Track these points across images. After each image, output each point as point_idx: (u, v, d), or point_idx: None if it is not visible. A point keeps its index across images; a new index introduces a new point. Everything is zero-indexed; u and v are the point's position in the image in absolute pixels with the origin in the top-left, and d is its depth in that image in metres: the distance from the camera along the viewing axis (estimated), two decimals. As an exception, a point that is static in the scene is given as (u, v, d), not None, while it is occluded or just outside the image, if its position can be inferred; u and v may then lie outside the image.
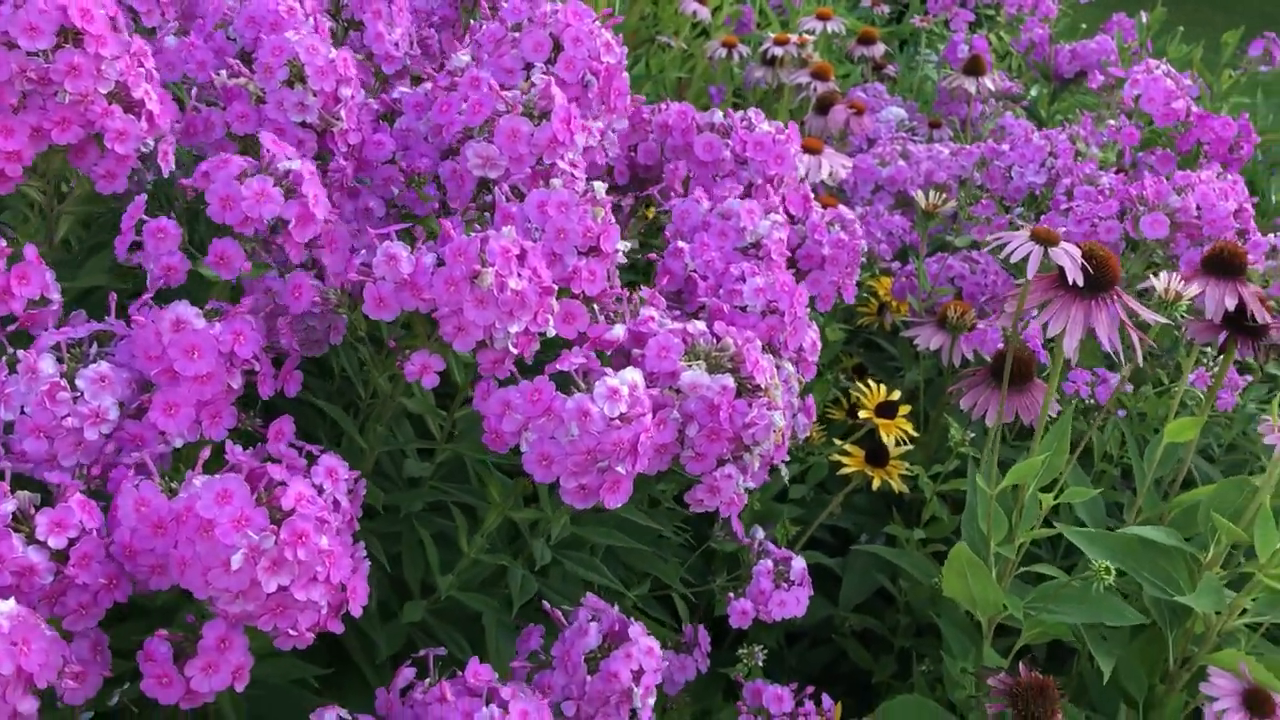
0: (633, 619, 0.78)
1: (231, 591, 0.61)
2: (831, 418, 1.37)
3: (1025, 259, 0.86)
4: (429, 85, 0.82)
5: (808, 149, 1.33)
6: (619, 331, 0.73)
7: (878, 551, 1.23)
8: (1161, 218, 1.18)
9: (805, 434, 1.10)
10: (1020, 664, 0.98)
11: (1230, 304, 0.95)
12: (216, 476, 0.63)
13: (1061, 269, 0.86)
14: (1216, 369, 1.17)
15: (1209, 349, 1.17)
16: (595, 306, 0.77)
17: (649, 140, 1.11)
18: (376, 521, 0.90)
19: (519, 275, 0.66)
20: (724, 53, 2.01)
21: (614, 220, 0.76)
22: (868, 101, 1.92)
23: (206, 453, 0.66)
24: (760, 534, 1.04)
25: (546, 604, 0.81)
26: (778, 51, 1.93)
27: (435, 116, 0.78)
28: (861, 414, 1.24)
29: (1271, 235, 1.19)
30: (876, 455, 1.24)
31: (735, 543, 1.06)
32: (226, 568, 0.60)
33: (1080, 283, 0.83)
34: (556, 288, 0.70)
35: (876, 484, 1.22)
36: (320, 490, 0.66)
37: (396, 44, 0.88)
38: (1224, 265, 0.97)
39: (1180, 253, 1.20)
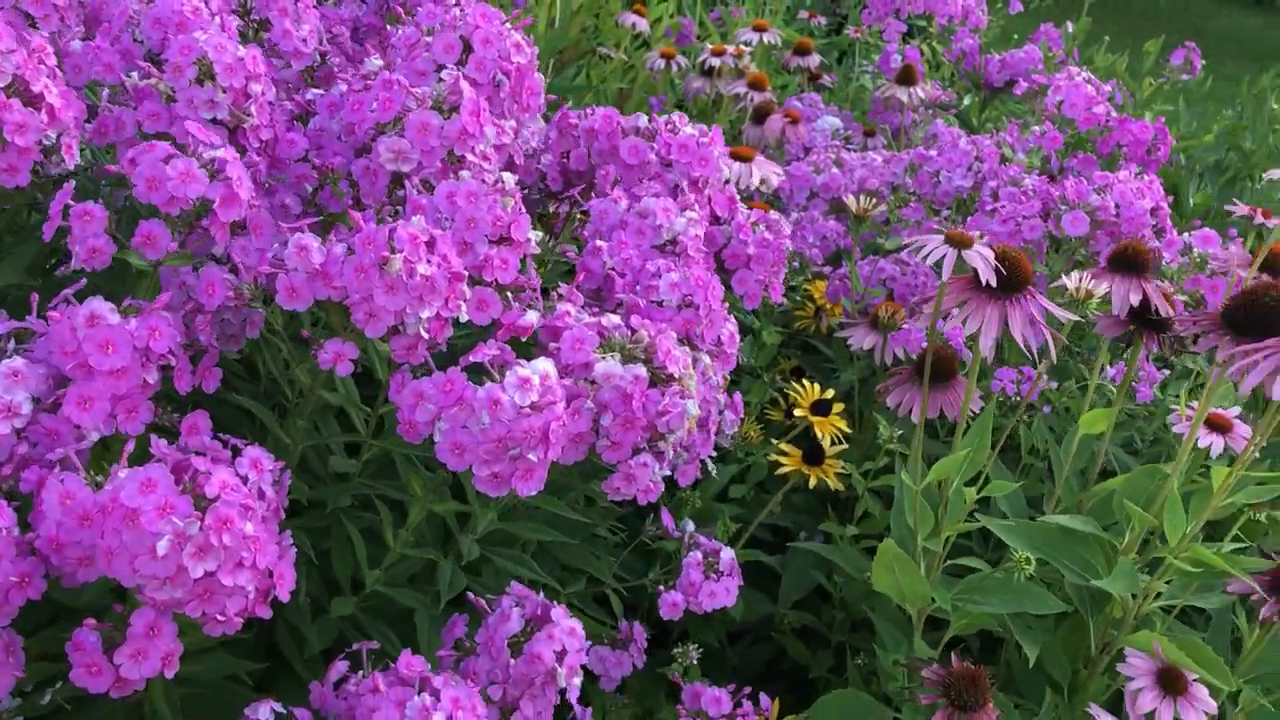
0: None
1: (159, 578, 0.61)
2: (771, 418, 1.39)
3: (942, 261, 0.88)
4: (343, 87, 0.83)
5: (739, 156, 1.35)
6: (533, 317, 0.74)
7: (813, 549, 1.25)
8: (1082, 216, 1.21)
9: (733, 429, 1.12)
10: (952, 654, 1.00)
11: (1135, 299, 0.98)
12: (140, 467, 0.64)
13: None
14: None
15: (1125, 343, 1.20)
16: (509, 294, 0.78)
17: (580, 146, 1.13)
18: (305, 517, 0.91)
19: (428, 261, 0.67)
20: (663, 64, 2.04)
21: (525, 211, 0.77)
22: (803, 111, 1.95)
23: (130, 446, 0.67)
24: (690, 527, 1.06)
25: (470, 594, 0.81)
26: (715, 62, 1.95)
27: (347, 115, 0.79)
28: (797, 412, 1.26)
29: (1186, 234, 1.22)
30: (813, 454, 1.26)
31: (671, 538, 1.08)
32: (153, 554, 0.60)
33: (994, 283, 0.85)
34: (467, 274, 0.71)
35: (813, 482, 1.24)
36: (245, 480, 0.67)
37: (305, 40, 0.89)
38: (1129, 262, 1.00)
39: (1101, 250, 1.23)
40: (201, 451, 0.66)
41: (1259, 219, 1.11)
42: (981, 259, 0.83)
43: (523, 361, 0.68)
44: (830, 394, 1.26)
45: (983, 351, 0.87)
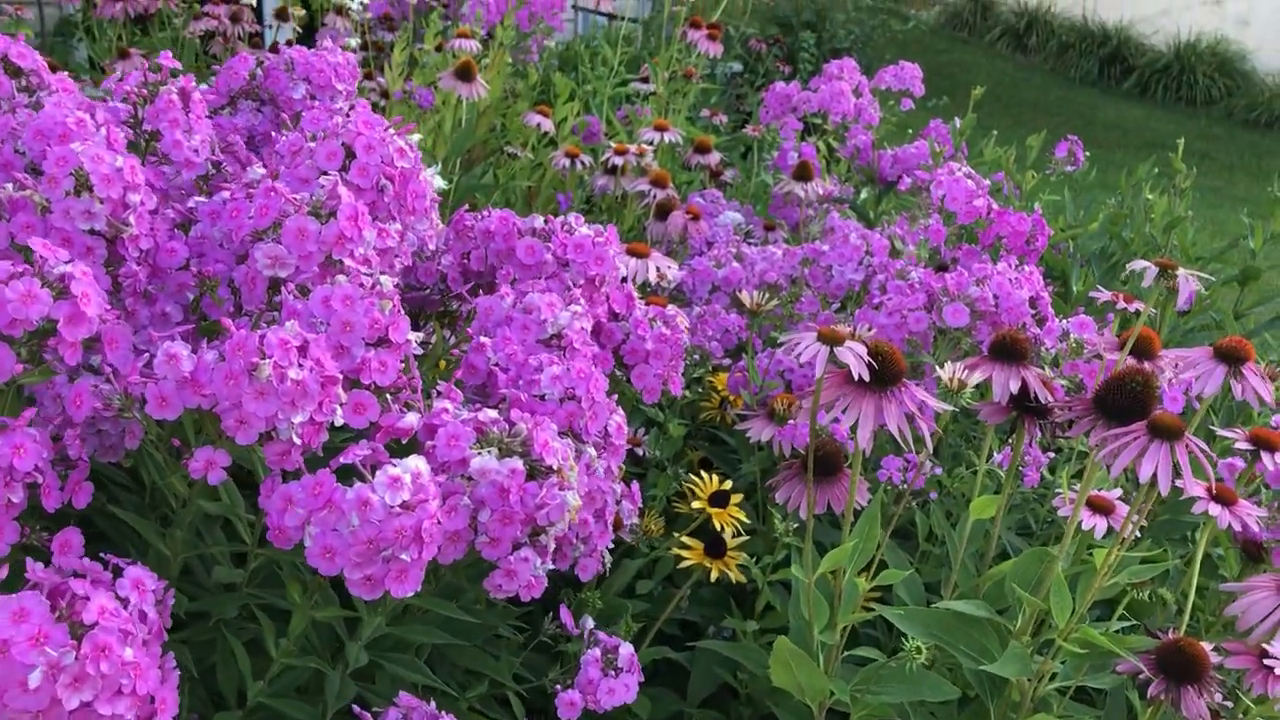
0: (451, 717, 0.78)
1: (30, 712, 0.59)
2: (678, 511, 1.39)
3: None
4: (225, 194, 0.84)
5: (635, 253, 1.37)
6: (412, 419, 0.75)
7: (717, 647, 1.24)
8: (962, 307, 1.25)
9: (631, 519, 1.12)
10: (848, 746, 1.00)
11: (1014, 387, 1.01)
12: (13, 595, 0.62)
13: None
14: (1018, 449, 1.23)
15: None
16: (389, 397, 0.78)
17: (479, 247, 1.14)
18: (189, 630, 0.88)
19: (300, 366, 0.67)
20: (568, 162, 2.07)
21: (403, 313, 0.78)
22: (705, 207, 2.00)
23: (4, 571, 0.65)
24: (590, 624, 1.05)
25: (356, 706, 0.79)
26: (618, 161, 2.00)
27: (225, 223, 0.80)
28: (695, 504, 1.26)
29: (1064, 320, 1.27)
30: (715, 547, 1.27)
31: (572, 636, 1.07)
32: (24, 687, 0.58)
33: (866, 378, 0.87)
34: (342, 377, 0.71)
35: (715, 575, 1.24)
36: (126, 602, 0.65)
37: (196, 150, 0.90)
38: (1008, 351, 1.03)
39: (983, 339, 1.27)
40: (81, 573, 0.65)
41: (1121, 304, 1.16)
42: (853, 355, 0.85)
43: (395, 461, 0.68)
44: (728, 485, 1.27)
45: (861, 444, 0.88)
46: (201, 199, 0.87)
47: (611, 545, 1.19)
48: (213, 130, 0.95)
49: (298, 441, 0.70)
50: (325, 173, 0.87)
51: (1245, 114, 6.63)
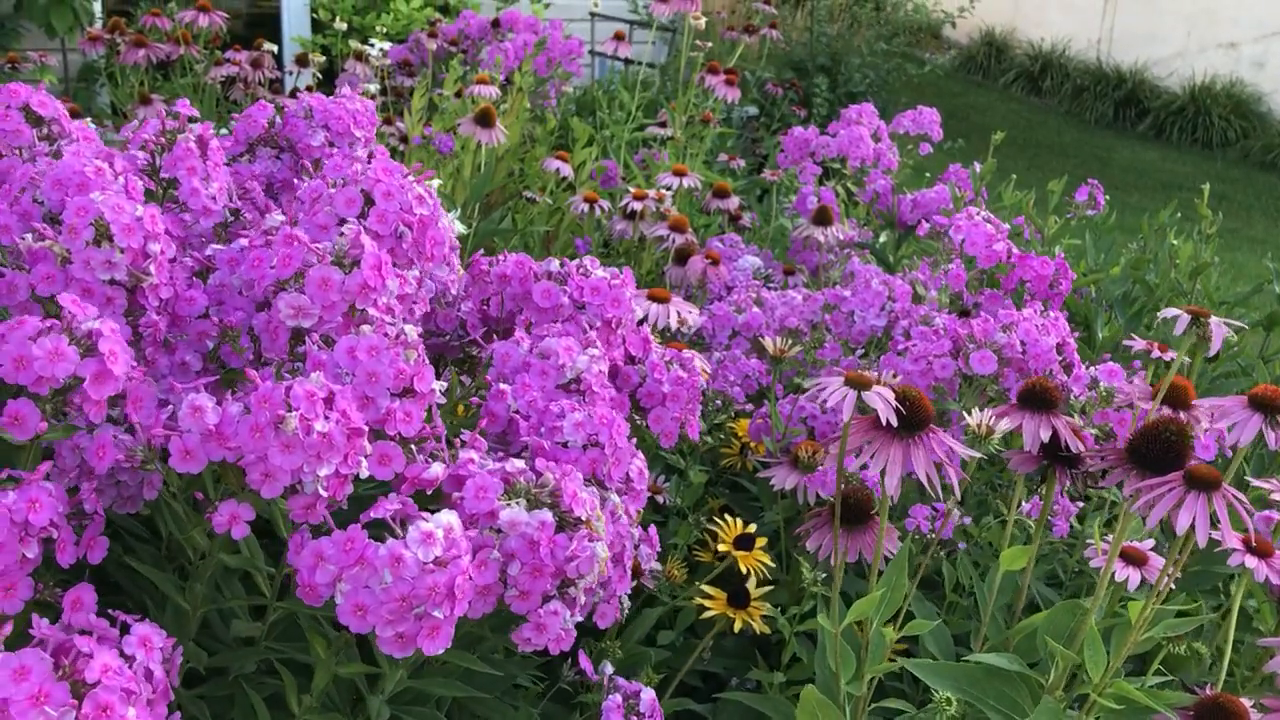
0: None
1: None
2: (700, 559, 1.38)
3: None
4: (243, 241, 0.83)
5: (656, 298, 1.36)
6: (437, 470, 0.73)
7: (741, 698, 1.22)
8: (989, 354, 1.24)
9: (650, 563, 1.10)
10: (874, 802, 0.97)
11: (1045, 435, 0.99)
12: (15, 653, 0.61)
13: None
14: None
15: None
16: (413, 447, 0.77)
17: (495, 292, 1.13)
18: (207, 685, 0.87)
19: (325, 418, 0.66)
20: (586, 207, 2.08)
21: (428, 362, 0.77)
22: (724, 251, 1.99)
23: (8, 628, 0.64)
24: (609, 670, 1.03)
25: (375, 764, 0.78)
26: (637, 206, 2.00)
27: (246, 272, 0.79)
28: (720, 547, 1.25)
29: (1092, 368, 1.25)
30: (737, 597, 1.25)
31: (591, 683, 1.05)
32: None
33: (894, 423, 0.86)
34: (368, 429, 0.70)
35: (738, 625, 1.22)
36: (131, 660, 0.64)
37: (214, 197, 0.90)
38: (1038, 399, 1.02)
39: (1010, 386, 1.25)
40: (88, 630, 0.64)
41: (1155, 353, 1.14)
42: (881, 400, 0.84)
43: (426, 515, 0.67)
44: (753, 529, 1.25)
45: (889, 490, 0.87)
46: (220, 246, 0.86)
47: (631, 593, 1.17)
48: (230, 178, 0.95)
49: (323, 494, 0.69)
50: (344, 220, 0.86)
51: (1261, 155, 6.63)
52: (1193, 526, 0.87)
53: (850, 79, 4.95)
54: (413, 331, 0.77)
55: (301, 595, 0.67)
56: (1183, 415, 1.07)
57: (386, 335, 0.75)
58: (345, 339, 0.74)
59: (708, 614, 1.23)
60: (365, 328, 0.75)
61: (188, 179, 0.91)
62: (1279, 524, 1.17)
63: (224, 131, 1.24)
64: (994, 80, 7.80)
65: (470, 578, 0.67)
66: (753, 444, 1.55)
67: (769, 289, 1.85)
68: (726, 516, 1.30)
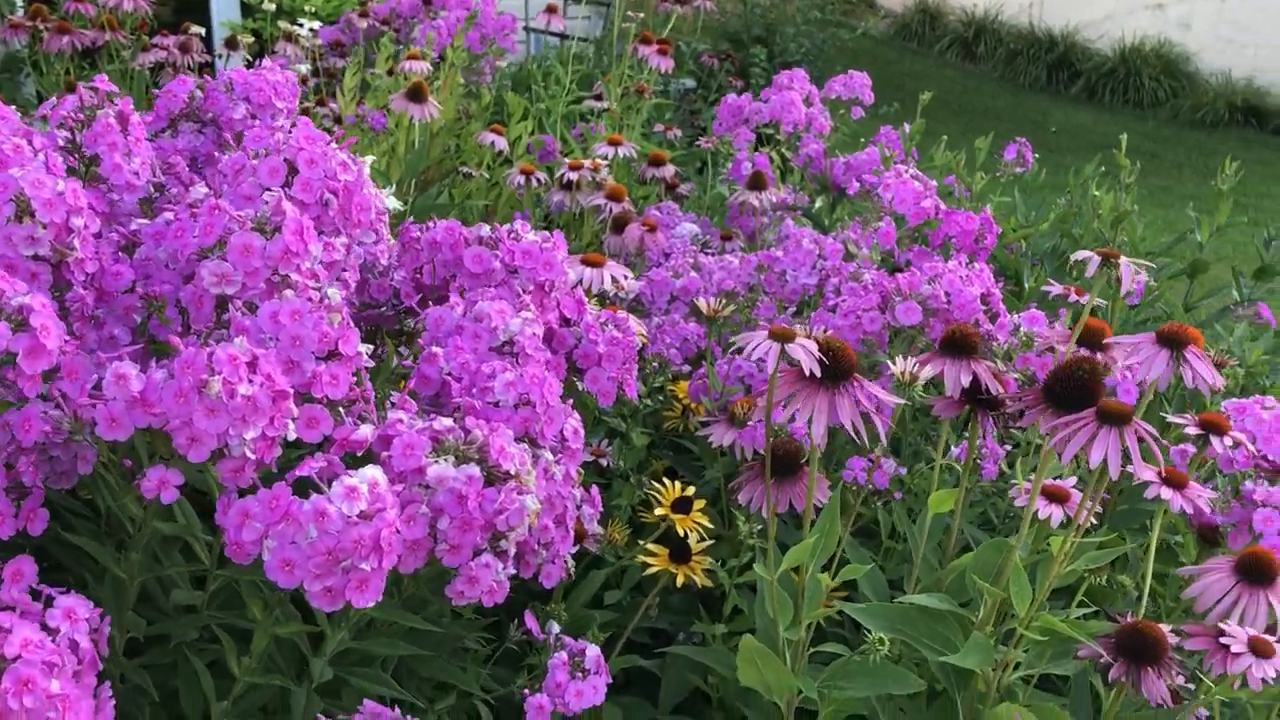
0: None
1: None
2: (644, 520, 1.40)
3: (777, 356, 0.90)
4: (169, 215, 0.84)
5: (590, 262, 1.38)
6: (366, 431, 0.75)
7: (686, 652, 1.24)
8: (915, 306, 1.27)
9: (593, 523, 1.12)
10: (815, 741, 1.00)
11: (965, 380, 1.02)
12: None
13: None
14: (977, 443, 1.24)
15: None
16: (341, 410, 0.78)
17: (427, 259, 1.14)
18: (149, 654, 0.88)
19: (249, 382, 0.67)
20: (522, 179, 2.08)
21: (353, 325, 0.78)
22: (661, 219, 2.01)
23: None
24: (555, 629, 1.05)
25: (321, 716, 0.79)
26: (573, 176, 2.00)
27: (170, 243, 0.80)
28: (658, 511, 1.27)
29: (1016, 315, 1.29)
30: (679, 553, 1.27)
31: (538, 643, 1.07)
32: None
33: (817, 374, 0.88)
34: (293, 392, 0.71)
35: (681, 581, 1.24)
36: (55, 633, 0.64)
37: (137, 172, 0.90)
38: (958, 346, 1.05)
39: (936, 337, 1.28)
40: (10, 605, 0.64)
41: (1072, 297, 1.18)
42: (804, 352, 0.86)
43: (351, 472, 0.68)
44: (690, 491, 1.27)
45: (815, 439, 0.89)
46: (145, 221, 0.86)
47: (576, 554, 1.19)
48: (153, 153, 0.95)
49: (251, 457, 0.70)
50: (269, 189, 0.87)
51: (1190, 115, 6.75)
52: (1105, 460, 0.91)
53: (786, 49, 4.98)
54: (336, 294, 0.78)
55: (230, 554, 0.68)
56: (1101, 356, 1.11)
57: (310, 299, 0.76)
58: (268, 304, 0.75)
59: (651, 571, 1.25)
60: (288, 292, 0.76)
61: (109, 154, 0.91)
62: (1195, 457, 1.21)
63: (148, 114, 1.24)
64: (929, 47, 7.87)
65: (398, 531, 0.68)
66: (693, 405, 1.57)
67: (707, 254, 1.87)
68: (665, 480, 1.32)
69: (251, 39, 2.92)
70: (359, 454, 0.76)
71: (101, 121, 0.91)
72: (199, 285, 0.78)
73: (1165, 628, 1.01)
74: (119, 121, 0.94)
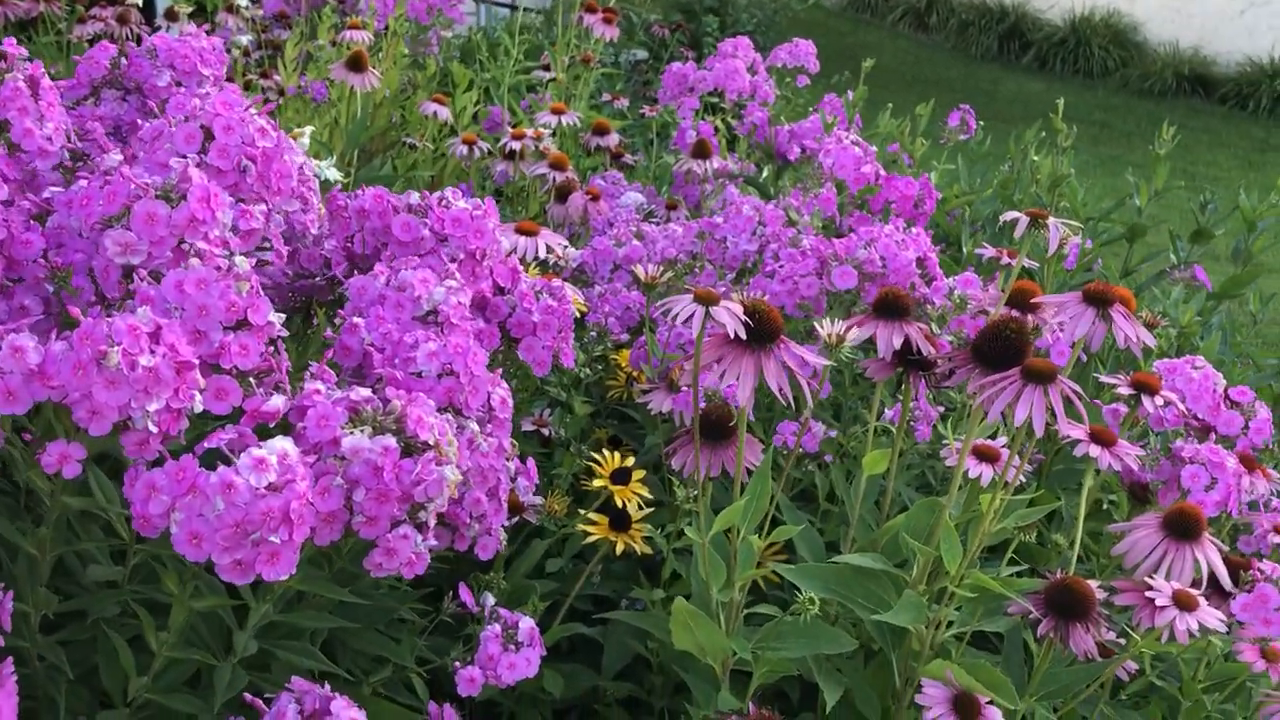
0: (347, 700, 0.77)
1: None
2: (586, 488, 1.39)
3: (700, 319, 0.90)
4: (83, 183, 0.82)
5: (523, 231, 1.37)
6: (278, 402, 0.73)
7: (625, 618, 1.24)
8: (850, 270, 1.27)
9: (528, 495, 1.12)
10: (749, 703, 1.01)
11: (897, 342, 1.03)
12: None
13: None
14: (910, 404, 1.25)
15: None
16: (253, 381, 0.76)
17: (356, 228, 1.13)
18: (66, 630, 0.86)
19: (151, 352, 0.66)
20: (465, 149, 2.06)
21: (262, 294, 0.77)
22: (606, 188, 2.00)
23: None
24: (490, 601, 1.04)
25: (247, 694, 0.78)
26: (515, 145, 1.99)
27: (76, 210, 0.78)
28: (596, 482, 1.26)
29: (950, 279, 1.29)
30: (620, 521, 1.27)
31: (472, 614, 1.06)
32: None
33: (742, 336, 0.88)
34: (200, 363, 0.70)
35: (620, 548, 1.24)
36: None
37: (49, 138, 0.88)
38: (890, 308, 1.05)
39: (872, 301, 1.28)
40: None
41: (1005, 259, 1.19)
42: (729, 314, 0.85)
43: (261, 443, 0.67)
44: (630, 462, 1.27)
45: (742, 401, 0.89)
46: (59, 189, 0.84)
47: (517, 524, 1.19)
48: (70, 119, 0.92)
49: (154, 430, 0.68)
50: (183, 155, 0.85)
51: (1139, 84, 6.81)
52: (1030, 418, 0.91)
53: (738, 19, 4.96)
54: (244, 263, 0.76)
55: (138, 528, 0.67)
56: (1032, 316, 1.11)
57: (218, 268, 0.74)
58: (173, 273, 0.73)
59: (592, 539, 1.25)
60: (193, 261, 0.74)
61: (19, 120, 0.88)
62: (1127, 416, 1.22)
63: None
64: (882, 18, 7.87)
65: (310, 503, 0.67)
66: (636, 374, 1.57)
67: (652, 223, 1.87)
68: (606, 450, 1.31)
69: (191, 9, 2.86)
70: (274, 425, 0.75)
71: (10, 85, 0.88)
72: (104, 254, 0.76)
73: (1094, 584, 1.03)
74: (29, 86, 0.91)
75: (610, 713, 1.31)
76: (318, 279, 1.21)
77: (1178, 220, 3.70)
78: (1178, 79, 6.75)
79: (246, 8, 2.87)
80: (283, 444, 0.67)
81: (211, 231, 0.78)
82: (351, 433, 0.73)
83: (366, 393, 0.76)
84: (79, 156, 1.00)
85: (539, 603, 1.24)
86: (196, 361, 0.70)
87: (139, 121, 1.07)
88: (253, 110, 0.90)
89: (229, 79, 1.49)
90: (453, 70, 2.61)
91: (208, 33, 1.28)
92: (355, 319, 0.89)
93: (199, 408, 0.71)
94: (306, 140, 1.90)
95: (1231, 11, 6.93)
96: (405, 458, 0.74)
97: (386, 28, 2.58)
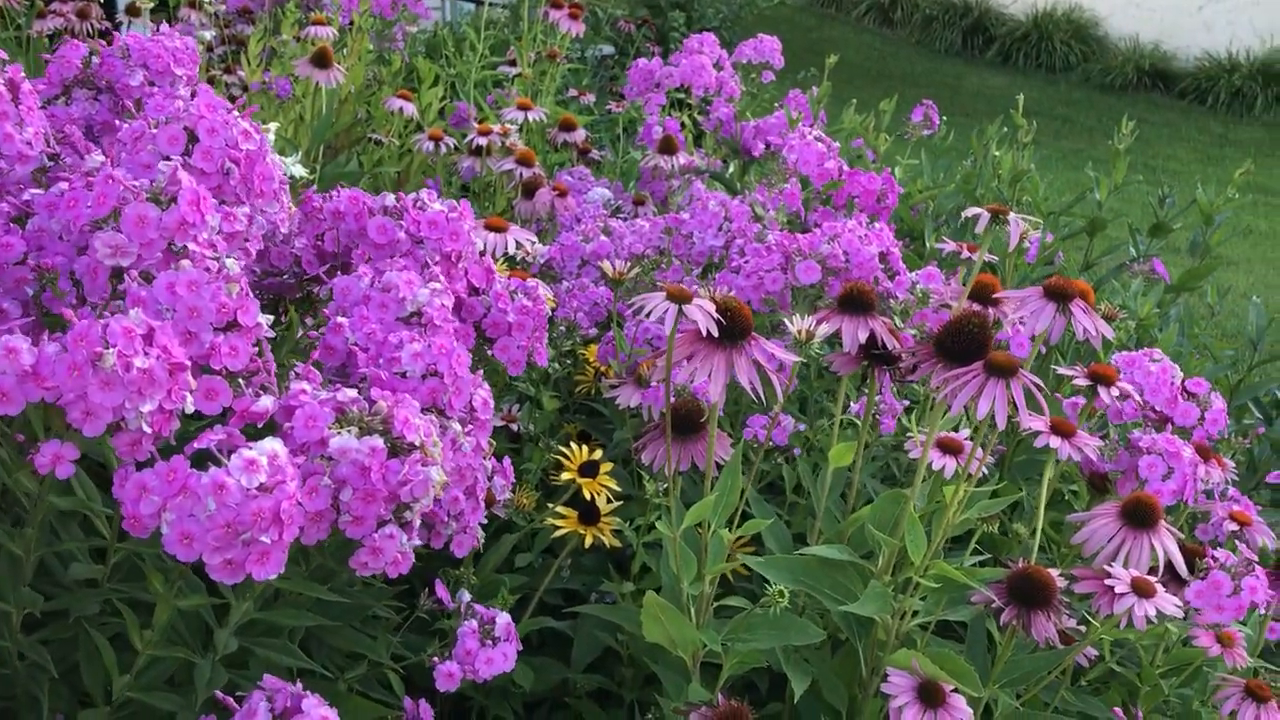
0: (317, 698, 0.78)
1: None
2: (555, 483, 1.41)
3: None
4: (63, 185, 0.83)
5: (493, 227, 1.38)
6: (267, 402, 0.75)
7: (595, 611, 1.26)
8: (814, 265, 1.29)
9: (504, 495, 1.13)
10: (718, 694, 1.03)
11: (862, 336, 1.05)
12: None
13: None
14: (877, 398, 1.28)
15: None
16: (242, 382, 0.78)
17: (330, 229, 1.14)
18: (47, 629, 0.87)
19: (145, 354, 0.67)
20: (431, 145, 2.07)
21: (252, 295, 0.78)
22: (572, 184, 2.01)
23: None
24: (466, 597, 1.06)
25: (218, 692, 0.79)
26: (482, 141, 2.00)
27: (63, 213, 0.79)
28: (564, 476, 1.28)
29: (913, 274, 1.32)
30: (588, 514, 1.29)
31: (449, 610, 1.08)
32: None
33: (714, 333, 0.90)
34: (191, 364, 0.71)
35: (589, 541, 1.26)
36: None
37: (29, 142, 0.88)
38: (855, 303, 1.07)
39: (836, 295, 1.31)
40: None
41: (965, 254, 1.21)
42: (701, 312, 0.87)
43: (251, 444, 0.68)
44: (598, 455, 1.29)
45: (713, 397, 0.91)
46: (38, 191, 0.85)
47: (486, 521, 1.20)
48: (47, 122, 0.93)
49: (148, 431, 0.69)
50: (168, 158, 0.86)
51: (1101, 78, 6.91)
52: (993, 411, 0.94)
53: (704, 15, 4.98)
54: (234, 265, 0.78)
55: (128, 528, 0.68)
56: (993, 310, 1.15)
57: (208, 270, 0.76)
58: (164, 275, 0.74)
59: (561, 533, 1.26)
60: (184, 263, 0.75)
61: (0, 125, 0.89)
62: (1085, 408, 1.26)
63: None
64: (847, 14, 7.92)
65: (299, 503, 0.69)
66: (604, 369, 1.59)
67: (619, 219, 1.89)
68: (573, 444, 1.33)
69: (153, 4, 2.84)
70: (261, 426, 0.76)
71: (-11, 90, 0.89)
72: (93, 257, 0.77)
73: (1055, 572, 1.06)
74: (9, 89, 0.92)
75: (581, 705, 1.33)
76: (286, 277, 1.22)
77: (1138, 214, 3.76)
78: (1138, 74, 6.85)
79: (210, 3, 2.85)
80: (273, 445, 0.68)
81: (201, 234, 0.79)
82: (339, 433, 0.74)
83: (353, 393, 0.78)
84: (52, 158, 1.00)
85: (509, 597, 1.25)
86: (189, 363, 0.71)
87: (115, 122, 1.08)
88: (235, 113, 0.91)
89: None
90: (418, 66, 2.61)
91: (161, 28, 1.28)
92: (339, 319, 0.90)
93: (190, 408, 0.73)
94: (272, 136, 1.91)
95: (1190, 7, 7.03)
96: (392, 458, 0.75)
97: (351, 23, 2.57)
